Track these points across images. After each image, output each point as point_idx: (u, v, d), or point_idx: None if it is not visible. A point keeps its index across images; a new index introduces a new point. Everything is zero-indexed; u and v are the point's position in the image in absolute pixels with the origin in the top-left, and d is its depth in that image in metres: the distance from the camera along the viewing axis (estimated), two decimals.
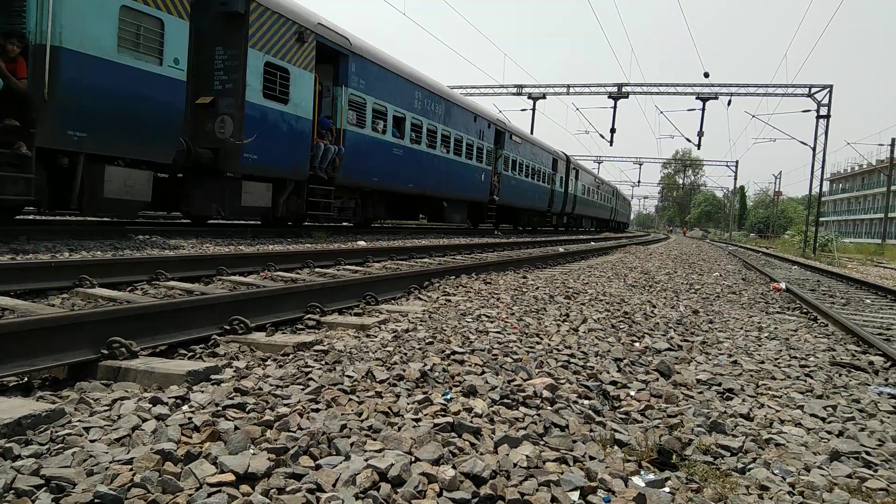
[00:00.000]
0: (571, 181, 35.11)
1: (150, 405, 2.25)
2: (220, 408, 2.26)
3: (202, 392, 2.47)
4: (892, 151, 45.76)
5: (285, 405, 2.31)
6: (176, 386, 2.54)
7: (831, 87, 28.66)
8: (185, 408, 2.28)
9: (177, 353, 3.28)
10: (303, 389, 2.50)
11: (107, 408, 2.22)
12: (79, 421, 2.07)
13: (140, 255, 6.71)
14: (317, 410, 2.28)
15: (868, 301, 9.38)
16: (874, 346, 4.85)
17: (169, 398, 2.35)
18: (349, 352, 3.13)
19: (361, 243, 11.55)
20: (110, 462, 1.76)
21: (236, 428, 2.09)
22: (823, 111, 28.91)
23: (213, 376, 2.68)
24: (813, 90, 28.90)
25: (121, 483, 1.64)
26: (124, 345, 2.86)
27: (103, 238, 8.59)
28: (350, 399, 2.42)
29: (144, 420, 2.10)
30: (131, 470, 1.70)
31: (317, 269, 7.19)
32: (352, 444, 2.00)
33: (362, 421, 2.20)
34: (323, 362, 2.93)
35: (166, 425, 2.06)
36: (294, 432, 2.07)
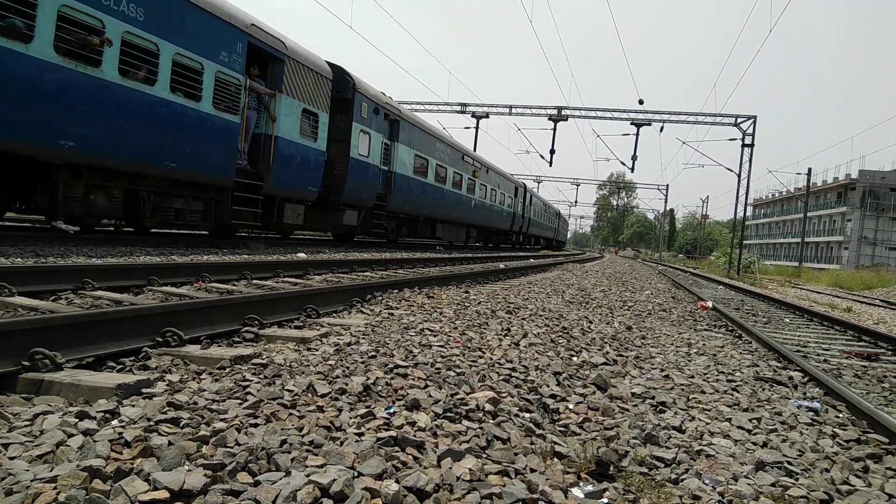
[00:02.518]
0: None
1: (77, 420, 2.13)
2: (152, 422, 2.16)
3: (133, 406, 2.35)
4: (808, 180, 48.97)
5: (222, 420, 2.24)
6: (105, 400, 2.42)
7: (755, 117, 30.50)
8: (114, 422, 2.17)
9: (105, 365, 3.11)
10: (240, 404, 2.42)
11: (28, 423, 2.09)
12: None
13: (65, 263, 6.36)
14: (255, 425, 2.21)
15: (787, 320, 9.95)
16: (793, 361, 5.15)
17: (97, 412, 2.23)
18: (289, 365, 3.06)
19: (301, 255, 11.34)
20: (31, 480, 1.65)
21: (170, 443, 2.00)
22: (748, 140, 30.68)
23: (144, 390, 2.57)
24: (739, 120, 30.63)
25: (44, 502, 1.54)
26: (48, 356, 2.70)
27: (25, 244, 8.09)
28: (290, 413, 2.36)
29: (70, 435, 1.98)
30: (55, 488, 1.61)
31: (255, 281, 7.01)
32: (292, 460, 1.95)
33: (303, 436, 2.16)
34: (262, 376, 2.86)
35: (94, 441, 1.95)
36: (231, 448, 2.01)
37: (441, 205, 23.34)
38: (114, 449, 1.93)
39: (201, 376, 2.88)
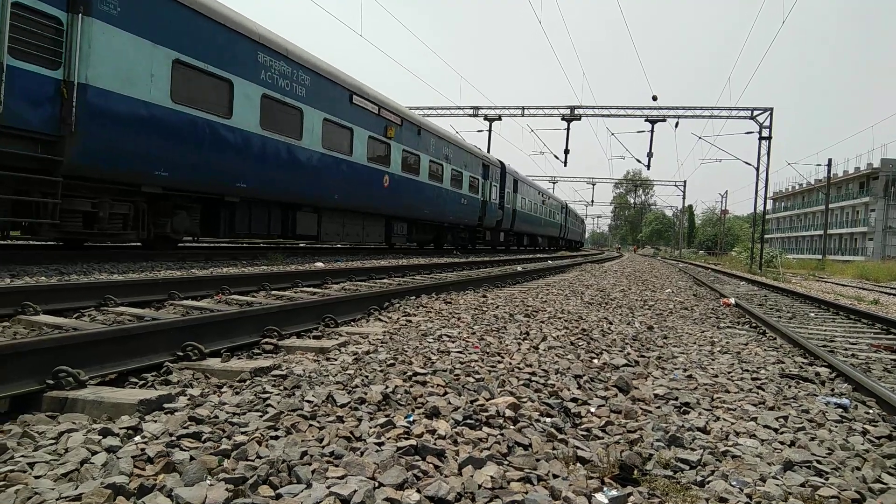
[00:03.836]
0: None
1: (100, 437, 2.15)
2: (174, 437, 2.18)
3: (155, 422, 2.38)
4: (828, 171, 48.14)
5: (243, 433, 2.25)
6: (127, 416, 2.44)
7: (772, 109, 30.04)
8: (137, 438, 2.19)
9: (128, 381, 3.15)
10: (261, 416, 2.43)
11: (53, 441, 2.12)
12: (22, 456, 1.96)
13: (87, 280, 6.45)
14: (276, 438, 2.22)
15: (812, 314, 9.77)
16: (820, 357, 5.04)
17: (120, 429, 2.25)
18: (308, 376, 3.07)
19: (319, 265, 11.41)
20: (57, 499, 1.67)
21: (192, 458, 2.02)
22: (765, 133, 30.24)
23: (166, 405, 2.59)
24: (755, 113, 30.21)
25: None
26: (71, 374, 2.74)
27: (49, 263, 8.24)
28: (310, 425, 2.37)
29: (94, 453, 2.00)
30: None
31: (273, 292, 7.06)
32: (313, 472, 1.95)
33: (323, 447, 2.16)
34: (281, 387, 2.87)
35: (117, 457, 1.97)
36: (252, 461, 2.02)
37: (306, 176, 13.50)
38: (137, 465, 1.95)
39: (222, 389, 2.90)
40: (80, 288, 5.45)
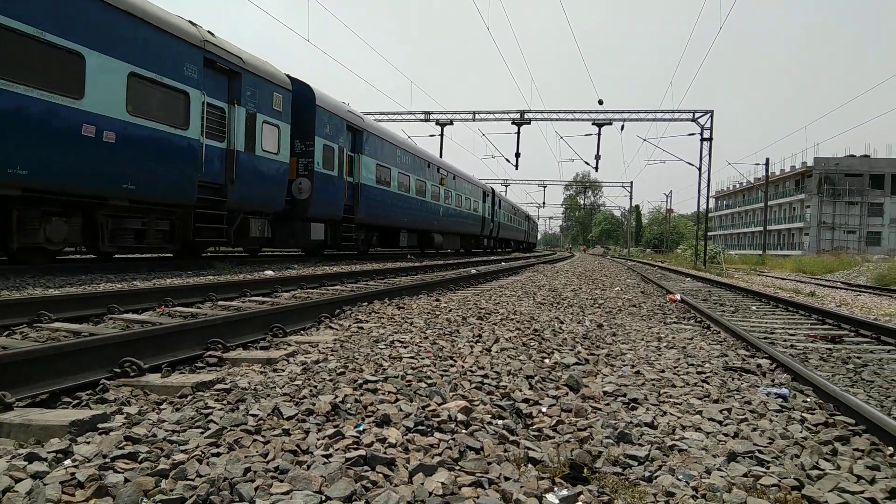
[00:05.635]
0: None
1: (26, 462, 2.02)
2: (108, 459, 2.07)
3: (88, 443, 2.25)
4: (766, 170, 50.28)
5: (182, 451, 2.15)
6: (57, 438, 2.31)
7: (712, 111, 31.16)
8: (67, 462, 2.07)
9: (60, 401, 2.99)
10: (202, 433, 2.34)
11: None
12: None
13: (20, 296, 6.12)
14: (218, 455, 2.13)
15: (753, 308, 10.14)
16: (761, 349, 5.22)
17: (48, 453, 2.12)
18: (254, 389, 2.98)
19: (269, 273, 11.17)
20: None
21: (126, 480, 1.92)
22: (706, 134, 31.34)
23: (100, 425, 2.46)
24: (696, 115, 31.27)
25: None
26: None
27: None
28: (255, 439, 2.29)
29: (18, 480, 1.88)
30: None
31: (220, 303, 6.86)
32: (256, 489, 1.88)
33: (268, 462, 2.08)
34: (225, 402, 2.77)
35: (44, 484, 1.86)
36: (192, 480, 1.93)
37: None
38: (65, 491, 1.84)
39: (161, 406, 2.78)
40: (11, 304, 5.16)
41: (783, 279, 23.58)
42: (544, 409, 3.10)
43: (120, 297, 6.08)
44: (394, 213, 22.27)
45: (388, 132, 22.28)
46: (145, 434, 2.33)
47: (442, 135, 34.74)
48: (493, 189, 41.74)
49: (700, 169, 32.42)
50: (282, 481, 1.95)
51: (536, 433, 2.78)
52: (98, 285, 7.91)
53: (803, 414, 3.27)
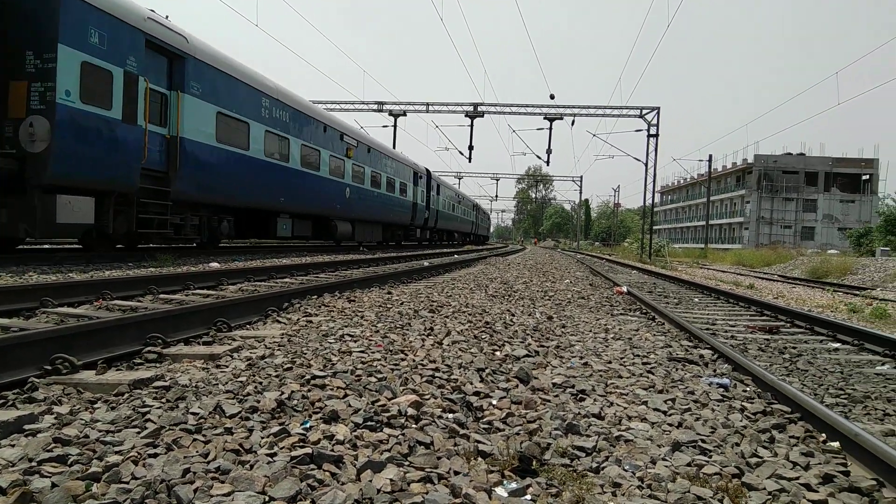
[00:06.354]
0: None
1: None
2: (34, 463, 1.95)
3: (12, 446, 2.12)
4: (709, 166, 52.03)
5: (117, 452, 2.05)
6: None
7: (658, 109, 32.03)
8: None
9: None
10: (138, 433, 2.23)
11: None
12: None
13: None
14: (155, 455, 2.04)
15: (696, 300, 10.48)
16: (703, 340, 5.39)
17: None
18: (195, 386, 2.87)
19: (215, 265, 10.84)
20: None
21: (54, 485, 1.81)
22: (653, 130, 32.20)
23: (27, 426, 2.32)
24: (644, 111, 32.07)
25: None
26: None
27: None
28: (195, 439, 2.20)
29: None
30: None
31: (161, 296, 6.61)
32: (195, 490, 1.80)
33: (208, 463, 2.00)
34: (164, 400, 2.65)
35: None
36: (127, 483, 1.84)
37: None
38: None
39: (95, 405, 2.64)
40: None
41: (724, 272, 24.50)
42: (495, 402, 3.10)
43: (54, 290, 5.78)
44: (258, 189, 14.98)
45: (245, 70, 14.38)
46: (76, 435, 2.21)
47: (395, 125, 34.51)
48: (428, 171, 34.42)
49: (646, 164, 33.29)
50: (223, 482, 1.88)
51: (487, 426, 2.77)
52: (31, 277, 7.51)
53: (743, 403, 3.38)
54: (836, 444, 2.72)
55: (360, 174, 22.54)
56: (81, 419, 2.42)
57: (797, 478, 2.31)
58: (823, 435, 2.85)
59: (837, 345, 5.96)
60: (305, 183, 17.74)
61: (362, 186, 22.82)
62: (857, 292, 14.96)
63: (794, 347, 5.71)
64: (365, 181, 23.15)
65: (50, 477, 1.86)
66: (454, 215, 43.35)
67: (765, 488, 2.21)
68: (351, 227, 22.22)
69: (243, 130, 14.19)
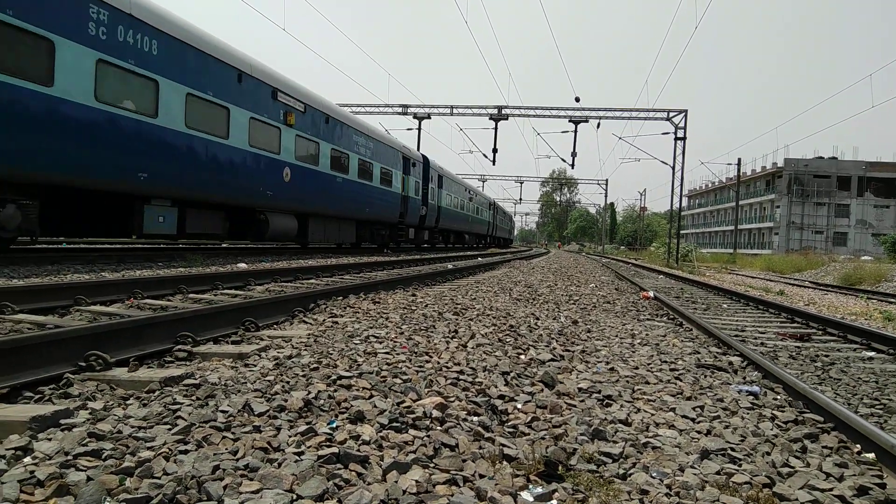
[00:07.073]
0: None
1: None
2: (70, 457, 2.00)
3: (49, 440, 2.17)
4: (738, 170, 51.11)
5: (149, 448, 2.09)
6: (17, 435, 2.22)
7: (686, 111, 31.58)
8: (26, 460, 2.00)
9: (21, 396, 2.88)
10: (169, 429, 2.27)
11: None
12: None
13: None
14: (185, 452, 2.07)
15: (725, 305, 10.30)
16: (732, 347, 5.30)
17: (7, 450, 2.05)
18: (224, 384, 2.91)
19: (242, 265, 11.00)
20: None
21: (89, 479, 1.85)
22: (680, 133, 31.76)
23: (63, 421, 2.38)
24: (671, 114, 31.65)
25: None
26: None
27: None
28: (224, 437, 2.23)
29: None
30: None
31: (191, 295, 6.72)
32: (225, 487, 1.83)
33: (237, 460, 2.03)
34: (194, 397, 2.70)
35: (1, 482, 1.78)
36: (158, 478, 1.87)
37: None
38: (24, 490, 1.77)
39: (128, 402, 2.70)
40: None
41: (753, 278, 24.04)
42: (520, 406, 3.09)
43: (88, 289, 5.92)
44: (98, 160, 9.43)
45: None
46: (110, 430, 2.26)
47: (420, 128, 34.63)
48: (425, 157, 27.40)
49: (673, 168, 32.84)
50: (251, 479, 1.90)
51: (512, 430, 2.76)
52: (65, 276, 7.70)
53: (774, 411, 3.32)
54: (871, 456, 2.65)
55: (310, 151, 16.33)
56: (115, 415, 2.47)
57: (831, 489, 2.26)
58: (858, 446, 2.78)
59: (872, 353, 5.80)
60: (205, 153, 11.94)
61: (315, 168, 16.56)
62: (893, 300, 14.55)
63: (826, 355, 5.58)
64: (321, 162, 16.90)
65: (85, 470, 1.91)
66: (463, 213, 36.14)
67: (797, 499, 2.16)
68: (297, 223, 16.46)
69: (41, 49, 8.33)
